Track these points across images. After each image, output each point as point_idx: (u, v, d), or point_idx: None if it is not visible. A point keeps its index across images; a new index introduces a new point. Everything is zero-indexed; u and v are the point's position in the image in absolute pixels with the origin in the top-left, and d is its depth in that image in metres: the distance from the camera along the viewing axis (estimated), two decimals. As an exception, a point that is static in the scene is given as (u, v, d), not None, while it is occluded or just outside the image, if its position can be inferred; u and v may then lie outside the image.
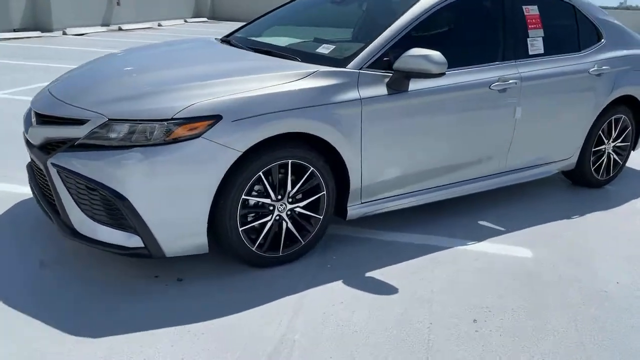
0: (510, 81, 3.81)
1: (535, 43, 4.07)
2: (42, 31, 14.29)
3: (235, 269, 3.10)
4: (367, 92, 3.23)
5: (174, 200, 2.75)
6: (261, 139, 2.89)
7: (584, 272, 3.31)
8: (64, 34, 14.73)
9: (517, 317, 2.83)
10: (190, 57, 3.71)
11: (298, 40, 4.02)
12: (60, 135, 2.94)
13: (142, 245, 2.76)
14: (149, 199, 2.72)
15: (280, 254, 3.16)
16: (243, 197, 2.94)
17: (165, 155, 2.71)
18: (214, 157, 2.78)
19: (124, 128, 2.74)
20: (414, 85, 3.39)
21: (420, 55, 3.21)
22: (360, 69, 3.27)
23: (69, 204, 2.86)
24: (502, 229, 3.82)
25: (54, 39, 13.75)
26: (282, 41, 3.97)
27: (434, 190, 3.70)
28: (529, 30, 4.04)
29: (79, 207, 2.83)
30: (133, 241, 2.76)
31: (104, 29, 16.36)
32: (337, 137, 3.13)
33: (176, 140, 2.73)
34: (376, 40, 3.38)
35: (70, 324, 2.60)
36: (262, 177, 2.97)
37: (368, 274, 3.15)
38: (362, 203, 3.41)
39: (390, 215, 3.78)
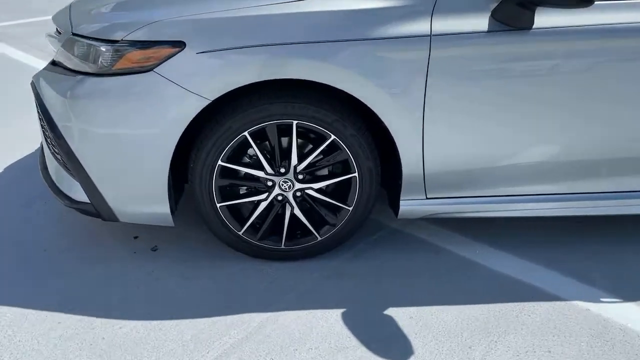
0: None
1: None
2: None
3: (228, 254, 2.32)
4: (447, 24, 1.94)
5: (121, 153, 2.05)
6: (242, 84, 1.94)
7: None
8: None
9: None
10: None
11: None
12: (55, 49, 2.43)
13: (88, 201, 2.16)
14: (90, 145, 2.06)
15: (282, 246, 2.25)
16: (220, 163, 2.08)
17: (106, 90, 1.99)
18: (169, 103, 1.96)
19: (82, 47, 2.08)
20: (545, 19, 1.95)
21: (552, -37, 1.77)
22: (443, -15, 1.97)
23: (40, 132, 2.39)
24: (692, 287, 2.19)
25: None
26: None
27: (566, 199, 2.25)
28: None
29: (43, 136, 2.34)
30: (79, 194, 2.17)
31: None
32: (377, 94, 1.98)
33: (122, 72, 1.97)
34: (491, -64, 1.98)
35: (7, 277, 2.20)
36: (249, 139, 2.05)
37: (392, 312, 2.05)
38: (427, 199, 2.22)
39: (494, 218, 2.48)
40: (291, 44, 1.90)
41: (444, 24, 1.94)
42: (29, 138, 3.20)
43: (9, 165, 2.99)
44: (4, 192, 2.77)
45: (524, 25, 1.94)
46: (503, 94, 2.03)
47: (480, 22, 1.95)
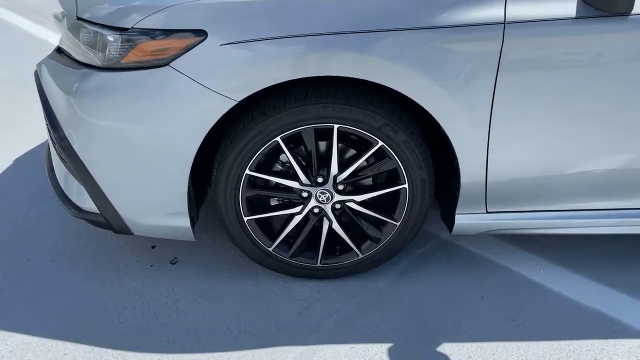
0: None
1: None
2: None
3: (256, 269, 2.04)
4: (525, 8, 1.59)
5: (132, 159, 1.76)
6: (274, 82, 1.62)
7: None
8: None
9: None
10: None
11: None
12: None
13: (97, 211, 1.89)
14: (97, 149, 1.78)
15: (318, 264, 1.96)
16: (248, 172, 1.78)
17: (114, 87, 1.69)
18: (188, 104, 1.65)
19: (88, 35, 1.78)
20: (650, 2, 1.58)
21: None
22: (521, -39, 1.60)
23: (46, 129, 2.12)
24: None
25: None
26: None
27: (653, 216, 1.91)
28: None
29: (48, 132, 2.06)
30: (88, 202, 1.90)
31: None
32: (435, 93, 1.65)
33: (133, 67, 1.66)
34: None
35: (11, 292, 1.97)
36: (282, 145, 1.74)
37: (446, 349, 1.76)
38: (487, 213, 1.90)
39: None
40: (336, 33, 1.57)
41: (521, 9, 1.58)
42: (40, 125, 2.93)
43: (17, 158, 2.74)
44: (7, 189, 2.51)
45: (621, 9, 1.57)
46: (590, 92, 1.68)
47: (566, 6, 1.59)
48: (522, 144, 1.76)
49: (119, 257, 2.12)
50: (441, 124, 1.70)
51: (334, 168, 1.79)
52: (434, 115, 1.68)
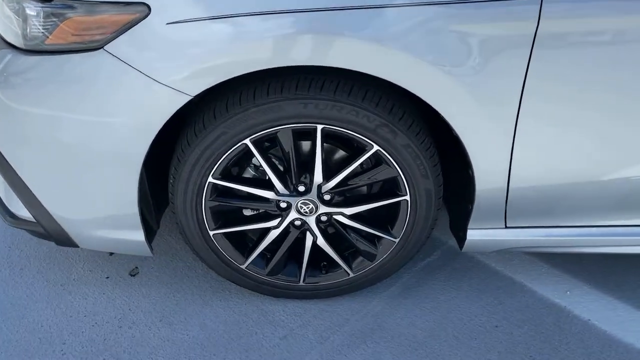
0: None
1: None
2: None
3: (228, 285, 1.73)
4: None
5: (66, 160, 1.43)
6: (240, 73, 1.26)
7: None
8: None
9: None
10: None
11: None
12: None
13: (33, 219, 1.57)
14: (24, 147, 1.45)
15: (301, 282, 1.64)
16: (211, 180, 1.44)
17: (37, 76, 1.33)
18: (132, 99, 1.30)
19: (11, 4, 1.40)
20: None
21: None
22: None
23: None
24: None
25: None
26: None
27: None
28: None
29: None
30: (23, 209, 1.57)
31: None
32: (444, 86, 1.28)
33: (59, 49, 1.30)
34: None
35: None
36: (253, 149, 1.39)
37: (451, 393, 1.45)
38: (506, 228, 1.56)
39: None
40: (307, 10, 1.19)
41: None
42: None
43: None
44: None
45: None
46: (644, 87, 1.31)
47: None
48: (555, 146, 1.40)
49: (70, 267, 1.82)
50: (453, 126, 1.34)
51: (318, 176, 1.44)
52: (444, 116, 1.32)
